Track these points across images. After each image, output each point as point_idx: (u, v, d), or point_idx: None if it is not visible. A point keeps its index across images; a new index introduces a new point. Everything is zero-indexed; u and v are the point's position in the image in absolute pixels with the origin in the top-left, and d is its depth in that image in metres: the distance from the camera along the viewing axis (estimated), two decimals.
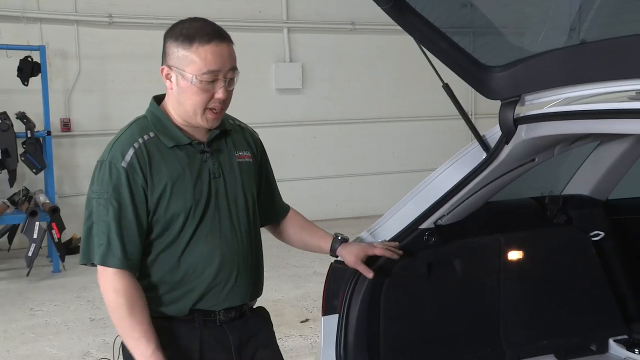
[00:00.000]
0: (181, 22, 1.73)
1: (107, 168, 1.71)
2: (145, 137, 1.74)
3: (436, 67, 2.11)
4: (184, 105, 1.73)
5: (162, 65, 1.75)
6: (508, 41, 2.21)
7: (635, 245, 2.61)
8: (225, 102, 1.74)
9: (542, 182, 2.63)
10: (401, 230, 2.21)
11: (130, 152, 1.70)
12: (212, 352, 1.78)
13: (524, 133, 2.05)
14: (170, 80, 1.73)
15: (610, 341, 2.43)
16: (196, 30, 1.68)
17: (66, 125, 7.58)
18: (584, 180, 2.66)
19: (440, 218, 2.21)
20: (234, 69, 1.72)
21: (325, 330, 2.13)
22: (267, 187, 1.97)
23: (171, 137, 1.75)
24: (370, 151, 8.90)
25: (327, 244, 2.01)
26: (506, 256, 2.34)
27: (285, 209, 2.05)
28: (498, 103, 2.16)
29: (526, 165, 2.21)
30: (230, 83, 1.72)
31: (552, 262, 2.40)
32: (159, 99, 1.83)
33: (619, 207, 2.68)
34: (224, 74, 1.70)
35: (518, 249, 2.35)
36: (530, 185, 2.48)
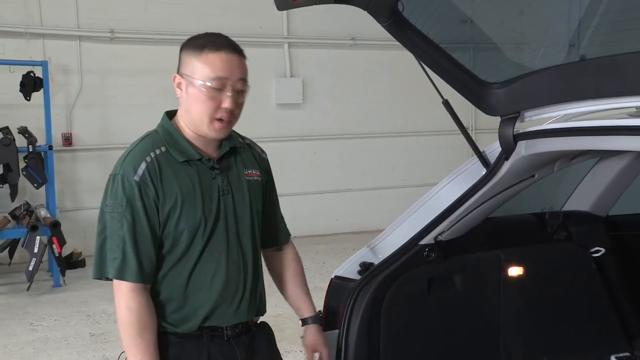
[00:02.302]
0: (198, 35, 1.77)
1: (119, 182, 1.70)
2: (157, 151, 1.74)
3: (436, 83, 2.13)
4: (192, 114, 1.74)
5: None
6: (507, 58, 2.23)
7: (635, 261, 2.61)
8: (234, 114, 1.74)
9: (542, 198, 2.63)
10: (401, 246, 2.22)
11: (143, 165, 1.70)
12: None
13: (523, 149, 2.06)
14: (181, 89, 1.74)
15: (612, 358, 2.42)
16: (208, 40, 1.72)
17: (67, 140, 7.60)
18: (584, 196, 2.67)
19: (440, 234, 2.21)
20: (243, 80, 1.73)
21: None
22: (271, 208, 1.96)
23: (182, 152, 1.75)
24: (371, 166, 8.91)
25: (302, 312, 1.98)
26: (506, 272, 2.33)
27: (287, 235, 2.01)
28: (498, 118, 2.17)
29: (526, 181, 2.21)
30: (239, 95, 1.73)
31: (552, 278, 2.40)
32: (170, 115, 1.83)
33: (620, 223, 2.68)
34: (232, 84, 1.71)
35: (518, 264, 2.34)
36: (530, 201, 2.48)
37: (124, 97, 7.70)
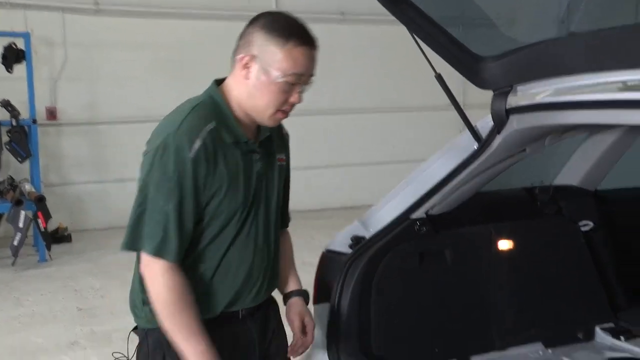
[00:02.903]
0: (272, 14, 1.67)
1: (172, 155, 1.58)
2: (209, 126, 1.63)
3: (426, 58, 2.11)
4: (256, 100, 1.65)
5: (240, 51, 1.65)
6: (501, 32, 2.22)
7: (622, 234, 2.64)
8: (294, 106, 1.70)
9: (532, 173, 2.65)
10: (393, 220, 2.22)
11: (198, 142, 1.59)
12: (235, 343, 1.75)
13: (515, 123, 2.06)
14: (249, 70, 1.64)
15: (597, 329, 2.46)
16: (293, 29, 1.62)
17: (52, 114, 7.50)
18: (573, 170, 2.69)
19: (431, 208, 2.22)
20: (312, 75, 1.68)
21: (316, 320, 2.14)
22: (286, 192, 1.92)
23: (231, 133, 1.66)
24: (361, 142, 8.91)
25: (290, 287, 1.92)
26: (496, 246, 2.35)
27: (288, 220, 1.98)
28: (487, 95, 2.17)
29: (517, 155, 2.22)
30: (305, 89, 1.68)
31: (541, 252, 2.42)
32: (217, 84, 1.73)
33: (608, 197, 2.70)
34: (305, 79, 1.66)
35: (508, 238, 2.36)
36: (521, 175, 2.49)
37: (111, 71, 7.59)
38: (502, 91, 2.09)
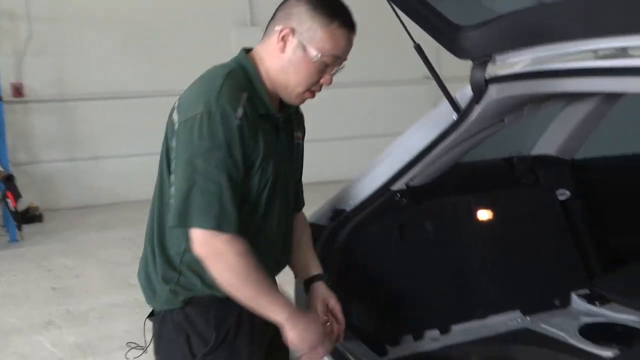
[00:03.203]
0: None
1: (219, 121, 1.47)
2: (245, 95, 1.54)
3: (402, 29, 2.09)
4: (289, 76, 1.58)
5: (279, 22, 1.58)
6: (479, 1, 2.20)
7: (597, 202, 2.68)
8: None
9: (511, 144, 2.66)
10: (373, 192, 2.21)
11: (240, 109, 1.50)
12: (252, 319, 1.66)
13: (495, 93, 2.06)
14: (286, 44, 1.57)
15: (573, 295, 2.50)
16: (338, 10, 1.57)
17: (18, 91, 7.32)
18: (551, 140, 2.71)
19: (411, 179, 2.22)
20: (345, 60, 1.63)
21: (297, 293, 2.13)
22: (300, 173, 1.86)
23: (262, 105, 1.58)
24: (338, 116, 8.88)
25: (312, 271, 1.82)
26: (476, 216, 2.37)
27: (303, 203, 1.91)
28: (461, 66, 2.16)
29: (496, 125, 2.23)
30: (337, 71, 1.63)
31: (520, 221, 2.45)
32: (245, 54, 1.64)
33: (584, 166, 2.73)
34: (340, 62, 1.61)
35: (487, 208, 2.38)
36: (499, 146, 2.50)
37: (79, 46, 7.41)
38: (481, 61, 2.09)
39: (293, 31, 1.56)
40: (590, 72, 1.82)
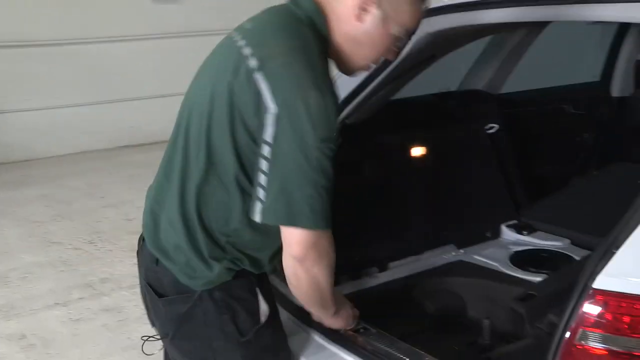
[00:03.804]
0: None
1: (331, 109, 1.34)
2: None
3: None
4: (361, 48, 1.44)
5: None
6: None
7: (522, 135, 2.75)
8: None
9: (440, 80, 2.67)
10: None
11: (334, 95, 1.38)
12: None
13: (425, 26, 2.03)
14: (366, 13, 1.40)
15: (503, 227, 2.58)
16: None
17: None
18: (478, 75, 2.74)
19: (346, 118, 2.18)
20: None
21: None
22: None
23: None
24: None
25: None
26: (409, 153, 2.38)
27: None
28: None
29: (427, 61, 2.22)
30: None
31: (452, 157, 2.48)
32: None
33: (509, 100, 2.79)
34: (410, 38, 1.50)
35: (420, 145, 2.39)
36: (429, 82, 2.50)
37: None
38: None
39: (379, 5, 1.40)
40: (519, 2, 1.84)
